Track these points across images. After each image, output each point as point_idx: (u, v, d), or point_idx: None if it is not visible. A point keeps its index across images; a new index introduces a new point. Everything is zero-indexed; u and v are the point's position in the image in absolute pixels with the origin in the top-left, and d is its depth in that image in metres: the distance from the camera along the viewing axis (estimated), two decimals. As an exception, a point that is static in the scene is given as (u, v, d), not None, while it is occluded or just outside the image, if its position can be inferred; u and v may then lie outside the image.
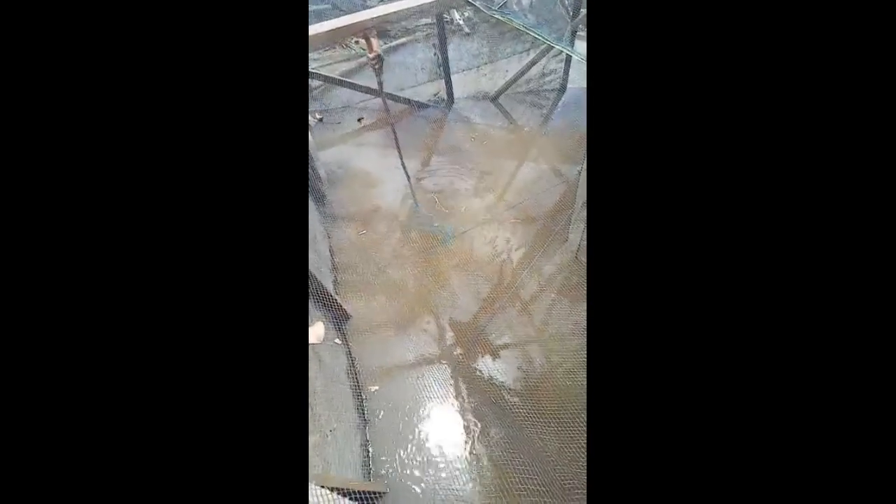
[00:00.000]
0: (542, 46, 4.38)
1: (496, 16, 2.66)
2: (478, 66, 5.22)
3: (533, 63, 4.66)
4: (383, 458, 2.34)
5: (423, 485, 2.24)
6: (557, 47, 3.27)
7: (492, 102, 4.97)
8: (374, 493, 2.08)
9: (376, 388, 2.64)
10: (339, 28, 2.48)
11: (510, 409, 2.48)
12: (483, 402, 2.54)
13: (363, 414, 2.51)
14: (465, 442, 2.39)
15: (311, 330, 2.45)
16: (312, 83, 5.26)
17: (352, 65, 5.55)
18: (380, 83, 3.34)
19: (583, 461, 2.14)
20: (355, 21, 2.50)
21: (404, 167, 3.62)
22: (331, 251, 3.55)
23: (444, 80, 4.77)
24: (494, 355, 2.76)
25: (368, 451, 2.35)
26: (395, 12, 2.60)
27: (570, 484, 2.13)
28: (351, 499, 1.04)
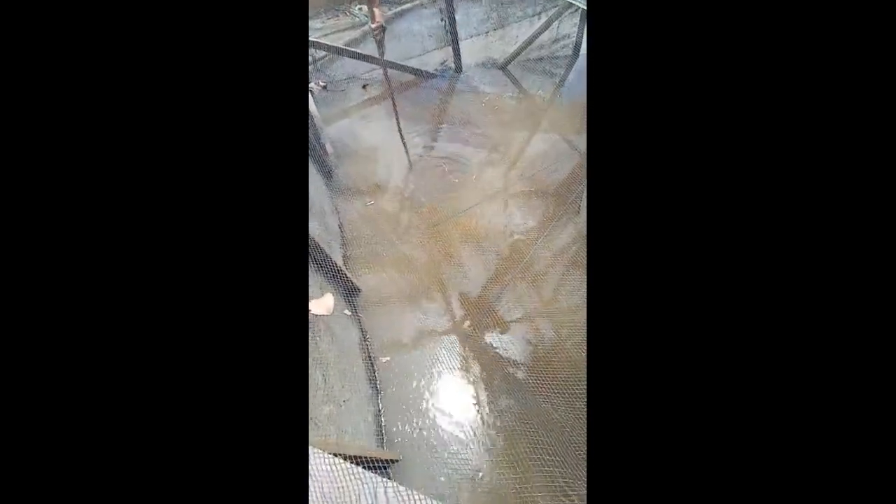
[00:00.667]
0: (555, 8, 4.14)
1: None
2: (486, 32, 4.99)
3: (546, 27, 4.43)
4: (395, 429, 2.38)
5: (434, 454, 2.28)
6: (574, 2, 3.08)
7: (501, 71, 4.77)
8: (388, 460, 2.13)
9: (387, 358, 2.66)
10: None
11: (520, 380, 2.49)
12: (493, 373, 2.55)
13: (375, 385, 2.54)
14: (476, 413, 2.41)
15: (320, 301, 2.45)
16: (316, 53, 5.09)
17: (356, 33, 5.34)
18: (381, 54, 3.23)
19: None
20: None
21: (402, 139, 3.56)
22: (340, 226, 3.52)
23: (451, 48, 4.59)
24: (504, 328, 2.75)
25: (381, 421, 2.39)
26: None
27: (582, 453, 2.14)
28: (365, 467, 1.04)
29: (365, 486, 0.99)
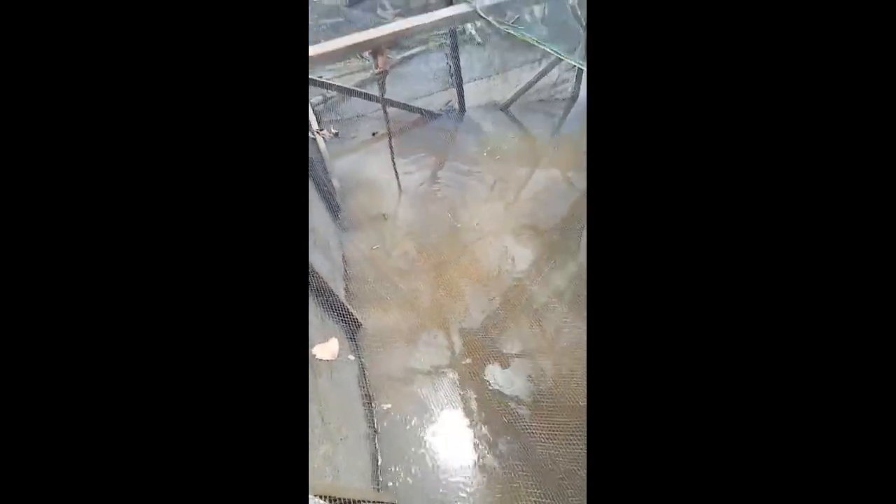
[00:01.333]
0: (554, 58, 4.39)
1: (510, 31, 2.70)
2: (489, 76, 5.26)
3: (544, 73, 4.67)
4: (391, 470, 2.37)
5: (431, 496, 2.25)
6: (569, 60, 3.29)
7: (503, 111, 4.99)
8: None
9: (389, 405, 2.65)
10: (352, 45, 2.54)
11: (521, 420, 2.48)
12: (492, 414, 2.54)
13: (373, 424, 2.54)
14: (475, 456, 2.39)
15: (325, 346, 2.49)
16: (326, 94, 5.36)
17: (366, 75, 5.65)
18: (382, 96, 3.46)
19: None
20: (370, 38, 2.57)
21: (395, 170, 3.82)
22: (344, 261, 3.61)
23: (455, 90, 4.83)
24: (504, 366, 2.76)
25: (377, 462, 2.38)
26: (409, 28, 2.66)
27: (574, 498, 2.11)
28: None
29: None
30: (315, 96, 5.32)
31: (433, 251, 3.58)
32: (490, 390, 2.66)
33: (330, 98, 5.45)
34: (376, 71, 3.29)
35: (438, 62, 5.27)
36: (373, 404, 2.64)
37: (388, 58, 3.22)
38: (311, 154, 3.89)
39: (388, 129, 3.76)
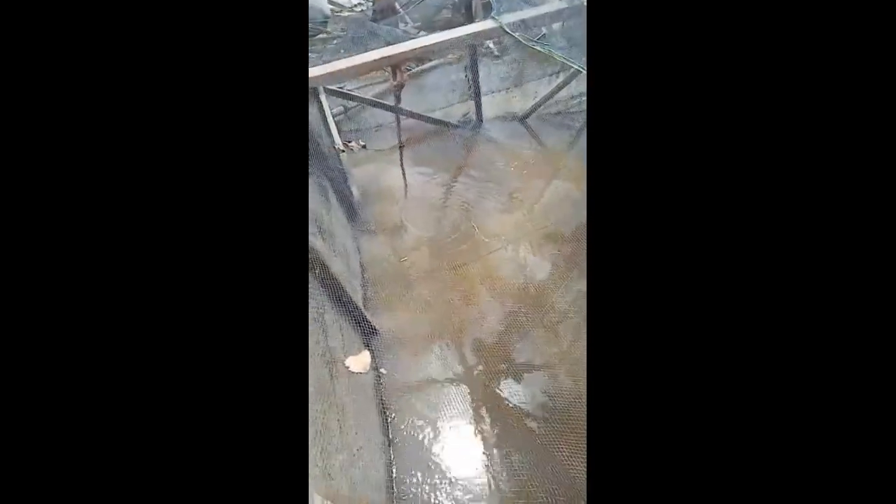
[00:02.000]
0: (572, 70, 4.41)
1: (536, 47, 2.72)
2: (507, 89, 5.30)
3: (562, 86, 4.69)
4: (406, 481, 2.35)
5: (445, 509, 2.23)
6: (573, 64, 3.30)
7: (520, 123, 5.02)
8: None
9: (403, 415, 2.63)
10: (381, 58, 2.60)
11: (534, 433, 2.44)
12: (506, 425, 2.51)
13: (388, 433, 2.54)
14: (487, 468, 2.36)
15: (358, 358, 2.51)
16: (348, 104, 5.48)
17: (386, 86, 5.75)
18: (397, 108, 3.57)
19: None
20: (393, 53, 2.63)
21: (406, 188, 3.88)
22: (362, 267, 3.65)
23: (474, 101, 4.88)
24: (518, 377, 2.73)
25: (392, 472, 2.37)
26: (437, 43, 2.71)
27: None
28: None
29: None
30: (336, 106, 5.44)
31: (451, 259, 3.60)
32: (504, 402, 2.63)
33: (350, 108, 5.56)
34: (393, 83, 3.37)
35: (457, 74, 5.34)
36: (388, 413, 2.64)
37: (406, 70, 3.30)
38: (334, 164, 3.98)
39: (400, 140, 3.85)
